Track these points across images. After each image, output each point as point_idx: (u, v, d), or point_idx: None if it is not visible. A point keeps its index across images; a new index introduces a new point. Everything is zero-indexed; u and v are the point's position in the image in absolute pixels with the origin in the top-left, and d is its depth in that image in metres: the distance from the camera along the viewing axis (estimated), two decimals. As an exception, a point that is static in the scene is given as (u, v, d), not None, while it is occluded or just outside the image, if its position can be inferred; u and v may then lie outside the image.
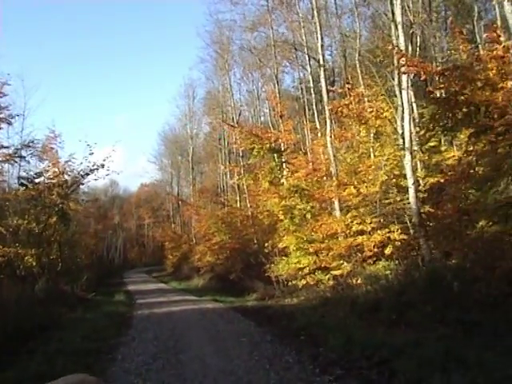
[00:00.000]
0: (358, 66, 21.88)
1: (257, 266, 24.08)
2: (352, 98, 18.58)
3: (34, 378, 8.28)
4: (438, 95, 14.56)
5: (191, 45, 78.80)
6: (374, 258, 15.85)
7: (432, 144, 17.34)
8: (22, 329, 12.54)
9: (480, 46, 19.05)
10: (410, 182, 14.75)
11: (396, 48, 14.97)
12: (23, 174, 24.17)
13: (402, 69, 14.49)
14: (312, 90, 24.72)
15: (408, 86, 15.42)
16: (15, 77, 33.50)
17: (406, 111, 15.23)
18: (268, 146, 23.92)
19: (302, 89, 31.71)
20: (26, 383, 8.07)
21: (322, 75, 21.00)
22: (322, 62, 21.15)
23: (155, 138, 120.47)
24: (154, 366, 9.73)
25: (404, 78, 15.29)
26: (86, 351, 10.84)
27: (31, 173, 23.95)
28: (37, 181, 23.34)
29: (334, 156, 19.48)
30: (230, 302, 21.88)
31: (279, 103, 27.12)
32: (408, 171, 14.91)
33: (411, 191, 14.67)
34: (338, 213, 18.35)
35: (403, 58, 13.97)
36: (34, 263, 21.10)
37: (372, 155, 18.30)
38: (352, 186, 17.27)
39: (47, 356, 10.18)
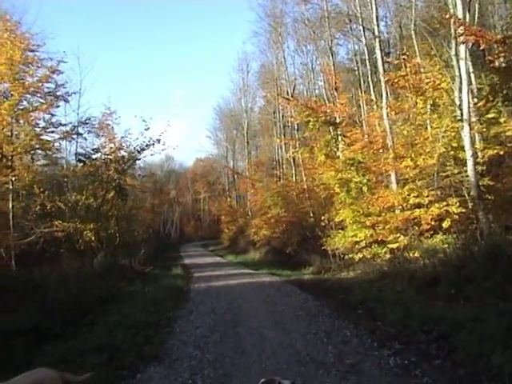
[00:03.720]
0: (413, 36, 21.41)
1: (313, 240, 24.16)
2: (408, 69, 18.26)
3: (95, 349, 8.58)
4: (498, 64, 14.23)
5: (244, 18, 78.62)
6: (432, 232, 15.69)
7: (491, 115, 16.90)
8: (83, 302, 12.91)
9: (543, 11, 18.37)
10: (468, 154, 14.48)
11: (453, 17, 14.63)
12: (80, 150, 24.81)
13: (460, 38, 14.18)
14: (367, 61, 24.33)
15: (466, 56, 15.03)
16: (71, 55, 33.96)
17: (464, 82, 14.89)
18: (323, 118, 23.82)
19: (356, 61, 31.20)
20: (87, 354, 8.30)
21: (378, 46, 20.69)
22: (376, 33, 20.83)
23: (211, 113, 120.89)
24: (212, 338, 9.90)
25: (462, 47, 14.92)
26: (144, 324, 11.16)
27: (88, 149, 24.58)
28: (94, 157, 23.92)
29: (390, 128, 19.28)
30: (287, 275, 22.03)
31: (334, 76, 26.85)
32: (466, 143, 14.63)
33: (470, 163, 14.41)
34: (394, 186, 18.21)
35: (461, 27, 13.66)
36: (93, 238, 21.70)
37: (429, 127, 17.99)
38: (409, 159, 17.04)
39: (107, 328, 10.49)
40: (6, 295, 12.09)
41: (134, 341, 9.41)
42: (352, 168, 19.41)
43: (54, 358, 8.17)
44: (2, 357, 8.00)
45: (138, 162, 27.09)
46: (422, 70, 18.36)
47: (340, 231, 19.85)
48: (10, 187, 19.60)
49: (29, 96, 20.40)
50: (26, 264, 17.38)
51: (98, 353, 8.33)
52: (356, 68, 31.22)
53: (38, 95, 20.97)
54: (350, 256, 18.91)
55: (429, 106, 18.23)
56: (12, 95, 18.76)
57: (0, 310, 10.62)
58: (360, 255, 18.07)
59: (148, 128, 23.29)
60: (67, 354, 8.41)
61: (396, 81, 18.33)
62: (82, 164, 23.78)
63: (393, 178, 18.42)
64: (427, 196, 16.11)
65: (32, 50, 20.29)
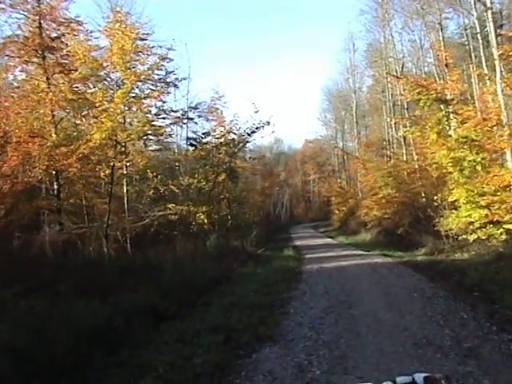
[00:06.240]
0: (529, 5, 20.46)
1: (425, 220, 23.79)
2: (524, 41, 17.51)
3: (211, 329, 8.92)
4: None
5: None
6: (551, 211, 15.09)
7: None
8: (197, 283, 13.57)
9: None
10: None
11: None
12: (191, 134, 25.71)
13: None
14: (478, 35, 23.41)
15: None
16: (179, 42, 34.98)
17: None
18: (434, 96, 23.23)
19: (467, 35, 30.08)
20: (203, 334, 8.66)
21: (490, 19, 19.86)
22: (488, 4, 19.98)
23: (319, 94, 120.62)
24: (326, 320, 9.99)
25: None
26: (258, 305, 11.41)
27: (199, 133, 25.46)
28: (204, 141, 24.84)
29: (506, 104, 18.56)
30: (399, 256, 21.89)
31: (444, 51, 26.04)
32: None
33: None
34: (510, 164, 17.58)
35: None
36: (205, 220, 22.44)
37: (548, 101, 17.22)
38: (526, 135, 16.42)
39: (222, 309, 10.87)
40: (125, 276, 12.84)
41: (248, 321, 9.67)
42: (465, 146, 18.88)
43: (171, 337, 8.63)
44: (122, 335, 8.56)
45: (247, 144, 27.67)
46: (538, 40, 17.53)
47: (453, 211, 19.45)
48: (125, 172, 20.69)
49: (140, 84, 21.31)
50: (140, 246, 18.36)
51: (214, 333, 8.63)
52: (466, 43, 30.11)
53: (149, 82, 21.91)
54: (464, 237, 18.50)
55: (547, 79, 17.42)
56: (124, 83, 19.54)
57: (120, 290, 11.25)
58: (474, 236, 17.65)
59: (257, 111, 23.75)
60: (184, 333, 8.82)
61: (511, 54, 17.61)
62: (193, 148, 24.78)
63: (508, 156, 17.77)
64: (546, 174, 15.49)
65: (142, 39, 21.10)
